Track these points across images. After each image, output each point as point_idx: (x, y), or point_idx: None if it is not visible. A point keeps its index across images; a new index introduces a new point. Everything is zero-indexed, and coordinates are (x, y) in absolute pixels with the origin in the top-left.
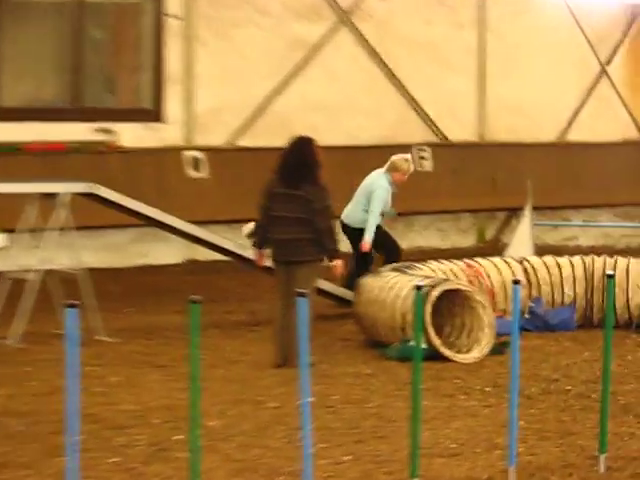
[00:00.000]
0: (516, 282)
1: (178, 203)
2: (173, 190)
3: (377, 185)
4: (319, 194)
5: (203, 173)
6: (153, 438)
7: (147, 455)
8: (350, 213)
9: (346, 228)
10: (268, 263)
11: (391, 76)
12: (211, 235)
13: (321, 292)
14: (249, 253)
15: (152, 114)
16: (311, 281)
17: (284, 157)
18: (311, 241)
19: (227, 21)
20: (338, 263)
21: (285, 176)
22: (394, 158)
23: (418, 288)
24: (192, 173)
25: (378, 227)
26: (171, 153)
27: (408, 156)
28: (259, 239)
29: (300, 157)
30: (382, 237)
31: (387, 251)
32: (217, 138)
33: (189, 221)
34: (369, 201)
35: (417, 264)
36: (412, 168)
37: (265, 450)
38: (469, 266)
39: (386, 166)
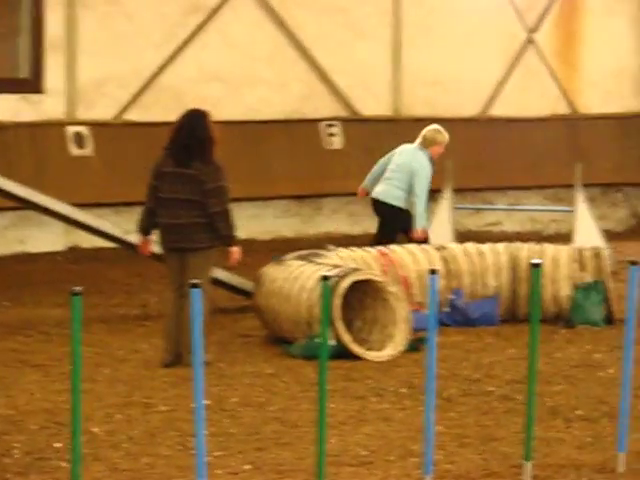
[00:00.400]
0: (433, 272)
1: (59, 184)
2: (53, 169)
3: (418, 165)
4: (212, 173)
5: (87, 150)
6: (30, 446)
7: (23, 465)
8: (381, 188)
9: (374, 204)
10: (156, 250)
11: (297, 44)
12: (95, 219)
13: (218, 282)
14: (135, 239)
15: (30, 84)
16: (206, 270)
17: (174, 132)
18: (204, 226)
19: None
20: (235, 250)
21: (175, 153)
22: (426, 132)
23: (325, 279)
24: (75, 150)
25: (406, 211)
26: (51, 128)
27: (437, 126)
28: (145, 224)
29: (192, 132)
30: (396, 219)
31: (382, 234)
32: (103, 112)
33: (71, 204)
34: (408, 181)
35: (325, 252)
36: (447, 136)
37: (155, 458)
38: (382, 254)
39: (419, 141)
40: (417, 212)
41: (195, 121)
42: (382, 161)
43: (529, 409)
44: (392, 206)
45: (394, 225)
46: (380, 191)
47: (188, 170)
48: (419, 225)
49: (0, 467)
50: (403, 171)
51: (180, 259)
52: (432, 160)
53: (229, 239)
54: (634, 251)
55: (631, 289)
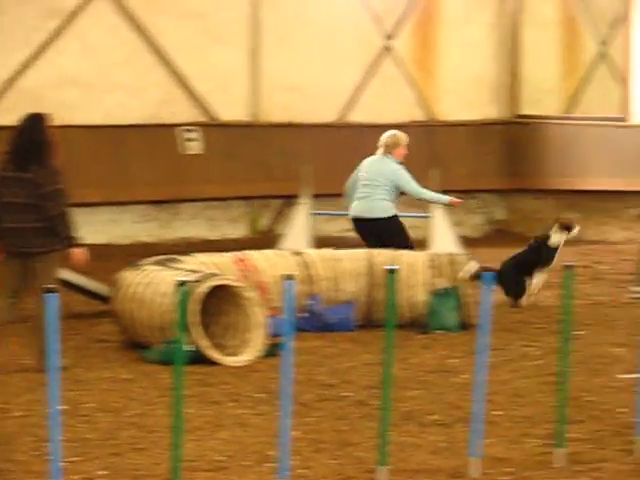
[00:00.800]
0: (289, 277)
1: None
2: None
3: (392, 170)
4: (49, 177)
5: None
6: None
7: None
8: (366, 207)
9: (363, 223)
10: None
11: (155, 49)
12: None
13: (74, 287)
14: None
15: None
16: (51, 274)
17: (14, 136)
18: (44, 229)
19: None
20: (78, 251)
21: (15, 157)
22: (385, 138)
23: (181, 284)
24: None
25: (395, 216)
26: None
27: (391, 131)
28: None
29: (30, 136)
30: (397, 227)
31: (398, 243)
32: None
33: None
34: (390, 190)
35: (182, 257)
36: (405, 136)
37: (9, 464)
38: (240, 259)
39: (381, 150)
40: (430, 197)
41: (33, 125)
42: (351, 182)
43: (384, 414)
44: (384, 218)
45: (399, 233)
46: (365, 209)
47: (26, 174)
48: (445, 198)
49: None
50: (380, 182)
51: (22, 264)
52: (400, 162)
53: (70, 240)
54: (489, 257)
55: (485, 295)
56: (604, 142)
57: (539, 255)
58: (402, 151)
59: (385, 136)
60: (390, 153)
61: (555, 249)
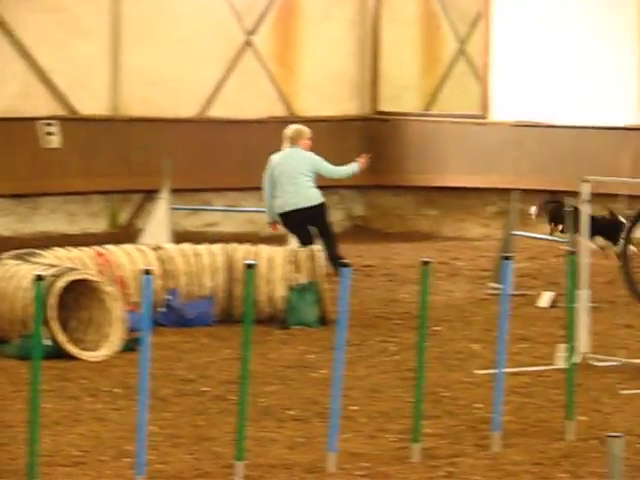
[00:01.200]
0: (147, 272)
1: None
2: None
3: (309, 158)
4: None
5: None
6: None
7: None
8: (301, 197)
9: (296, 214)
10: None
11: (14, 42)
12: None
13: None
14: None
15: None
16: None
17: None
18: None
19: None
20: None
21: None
22: (290, 132)
23: (40, 278)
24: None
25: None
26: None
27: (293, 125)
28: None
29: None
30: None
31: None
32: None
33: None
34: (312, 177)
35: (41, 251)
36: (307, 128)
37: None
38: (99, 254)
39: (287, 144)
40: (347, 173)
41: None
42: (268, 182)
43: (241, 409)
44: (321, 204)
45: (328, 219)
46: (300, 200)
47: None
48: (356, 168)
49: None
50: (304, 171)
51: None
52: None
53: None
54: (349, 253)
55: (343, 291)
56: (463, 139)
57: None
58: (308, 142)
59: (289, 130)
60: (297, 144)
61: None
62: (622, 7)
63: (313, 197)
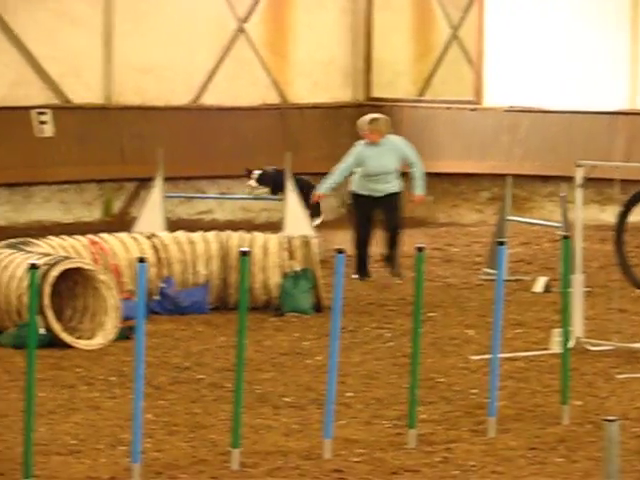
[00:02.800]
0: (141, 260)
1: None
2: None
3: (401, 144)
4: None
5: None
6: None
7: None
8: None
9: (389, 198)
10: None
11: (6, 30)
12: None
13: None
14: None
15: None
16: None
17: None
18: None
19: None
20: None
21: None
22: (380, 125)
23: (34, 267)
24: None
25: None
26: None
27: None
28: None
29: None
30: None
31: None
32: None
33: None
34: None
35: (36, 240)
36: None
37: None
38: (93, 243)
39: (377, 135)
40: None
41: None
42: (345, 166)
43: (237, 396)
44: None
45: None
46: (388, 187)
47: None
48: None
49: None
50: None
51: None
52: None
53: None
54: (342, 240)
55: (338, 278)
56: (456, 125)
57: None
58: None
59: (378, 122)
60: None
61: None
62: None
63: (397, 187)
